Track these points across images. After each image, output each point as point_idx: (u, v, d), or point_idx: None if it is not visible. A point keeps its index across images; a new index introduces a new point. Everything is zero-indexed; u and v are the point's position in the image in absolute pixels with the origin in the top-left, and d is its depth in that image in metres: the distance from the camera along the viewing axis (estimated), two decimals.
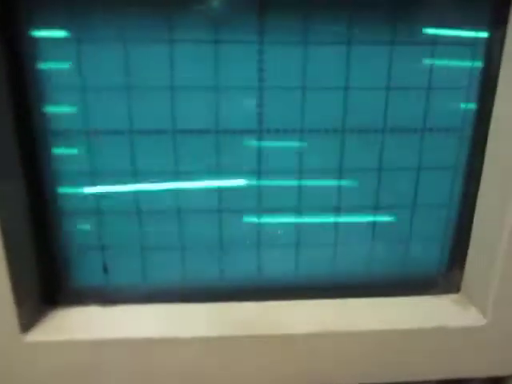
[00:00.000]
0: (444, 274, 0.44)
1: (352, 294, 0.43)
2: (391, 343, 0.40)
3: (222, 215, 0.40)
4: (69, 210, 0.39)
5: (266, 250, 0.41)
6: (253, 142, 0.38)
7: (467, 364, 0.41)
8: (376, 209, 0.41)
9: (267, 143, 0.38)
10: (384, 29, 0.36)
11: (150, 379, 0.39)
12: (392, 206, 0.41)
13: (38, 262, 0.39)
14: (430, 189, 0.41)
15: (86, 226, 0.39)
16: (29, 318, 0.38)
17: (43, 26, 0.34)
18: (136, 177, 0.38)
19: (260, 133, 0.38)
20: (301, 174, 0.39)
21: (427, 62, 0.37)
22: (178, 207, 0.39)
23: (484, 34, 0.36)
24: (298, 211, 0.40)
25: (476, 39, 0.37)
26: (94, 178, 0.38)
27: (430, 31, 0.36)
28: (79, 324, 0.39)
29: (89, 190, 0.38)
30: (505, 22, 0.35)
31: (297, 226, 0.41)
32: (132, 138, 0.37)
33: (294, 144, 0.38)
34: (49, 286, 0.40)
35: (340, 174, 0.39)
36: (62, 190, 0.38)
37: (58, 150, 0.37)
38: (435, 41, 0.36)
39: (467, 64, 0.37)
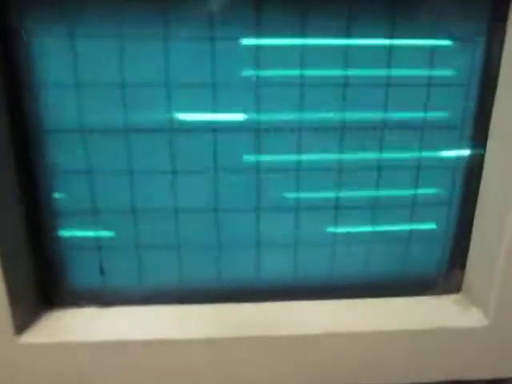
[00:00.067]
0: (444, 275, 0.43)
1: (352, 295, 0.42)
2: (391, 344, 0.39)
3: (218, 215, 0.39)
4: (64, 211, 0.38)
5: (264, 250, 0.41)
6: (250, 139, 0.37)
7: (469, 365, 0.41)
8: (375, 208, 0.41)
9: (265, 141, 0.37)
10: (383, 24, 0.35)
11: (147, 381, 0.39)
12: (392, 205, 0.41)
13: (34, 264, 0.39)
14: (430, 188, 0.40)
15: (82, 227, 0.39)
16: (24, 320, 0.37)
17: (36, 23, 0.33)
18: (132, 175, 0.38)
19: (257, 130, 0.37)
20: (298, 172, 0.39)
21: (427, 58, 0.36)
22: (175, 207, 0.39)
23: (484, 30, 0.36)
24: (296, 211, 0.40)
25: (476, 35, 0.36)
26: (90, 178, 0.37)
27: (430, 26, 0.36)
28: (75, 326, 0.38)
29: (85, 191, 0.38)
30: (505, 18, 0.35)
31: (295, 226, 0.40)
32: (127, 136, 0.36)
33: (292, 141, 0.38)
34: (45, 288, 0.40)
35: (339, 172, 0.39)
36: (58, 191, 0.38)
37: (53, 151, 0.37)
38: (435, 36, 0.36)
39: (468, 61, 0.37)
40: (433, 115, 0.38)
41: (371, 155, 0.39)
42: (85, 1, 0.33)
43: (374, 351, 0.39)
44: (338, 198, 0.40)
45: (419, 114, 0.38)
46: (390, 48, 0.36)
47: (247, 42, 0.35)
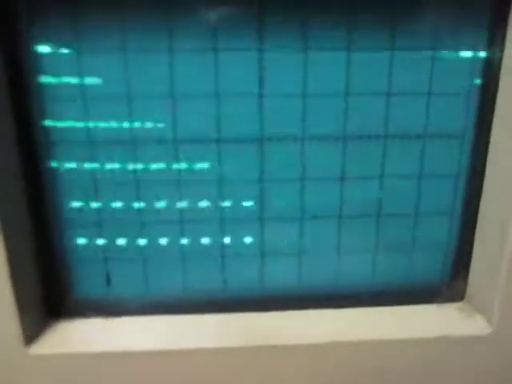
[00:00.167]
0: (448, 283, 0.44)
1: (356, 304, 0.43)
2: (396, 353, 0.40)
3: (223, 225, 0.40)
4: (72, 222, 0.39)
5: (269, 260, 0.41)
6: (255, 148, 0.38)
7: (473, 374, 0.41)
8: (379, 217, 0.41)
9: (269, 151, 0.38)
10: (384, 35, 0.36)
11: None
12: (395, 214, 0.41)
13: (42, 275, 0.39)
14: (433, 197, 0.41)
15: (89, 238, 0.39)
16: (32, 331, 0.38)
17: (44, 39, 0.34)
18: (138, 186, 0.38)
19: (261, 140, 0.38)
20: (303, 181, 0.39)
21: (428, 68, 0.37)
22: (180, 218, 0.39)
23: (484, 40, 0.37)
24: (301, 219, 0.40)
25: (476, 45, 0.37)
26: (97, 190, 0.38)
27: (430, 37, 0.36)
28: (82, 336, 0.39)
29: (92, 201, 0.38)
30: (505, 25, 0.35)
31: (300, 235, 0.41)
32: (133, 145, 0.37)
33: (295, 151, 0.38)
34: (52, 299, 0.40)
35: (342, 181, 0.40)
36: (65, 202, 0.38)
37: (60, 162, 0.37)
38: (435, 47, 0.36)
39: (468, 70, 0.37)
40: (434, 125, 0.38)
41: (374, 165, 0.39)
42: (91, 15, 0.34)
43: (378, 360, 0.40)
44: (341, 208, 0.40)
45: (420, 125, 0.38)
46: (391, 59, 0.36)
47: (250, 52, 0.35)
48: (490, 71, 0.37)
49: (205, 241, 0.40)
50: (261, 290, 0.42)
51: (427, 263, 0.43)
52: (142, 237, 0.40)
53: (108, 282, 0.41)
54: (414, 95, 0.38)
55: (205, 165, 0.38)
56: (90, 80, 0.35)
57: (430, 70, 0.37)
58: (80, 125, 0.36)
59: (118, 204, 0.39)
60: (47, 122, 0.36)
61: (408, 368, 0.40)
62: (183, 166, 0.38)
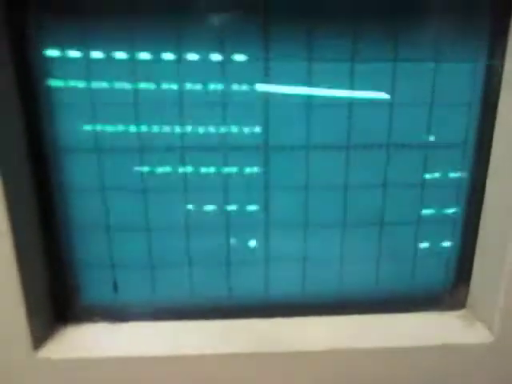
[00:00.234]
0: (450, 291, 0.44)
1: (358, 311, 0.43)
2: (398, 360, 0.40)
3: (228, 233, 0.40)
4: (80, 228, 0.40)
5: (273, 267, 0.42)
6: (259, 159, 0.39)
7: (475, 382, 0.41)
8: (382, 225, 0.42)
9: (274, 159, 0.39)
10: (387, 46, 0.37)
11: None
12: (398, 222, 0.42)
13: (50, 281, 0.40)
14: (435, 205, 0.41)
15: (96, 244, 0.40)
16: (41, 335, 0.38)
17: (54, 45, 0.35)
18: (146, 193, 0.39)
19: (266, 149, 0.38)
20: (307, 190, 0.40)
21: (430, 78, 0.38)
22: (186, 225, 0.40)
23: (485, 50, 0.37)
24: (304, 227, 0.41)
25: (477, 55, 0.37)
26: (104, 197, 0.39)
27: (432, 48, 0.37)
28: (90, 341, 0.39)
29: (99, 207, 0.39)
30: (505, 34, 0.36)
31: (304, 242, 0.41)
32: (141, 154, 0.38)
33: (300, 160, 0.39)
34: (60, 304, 0.41)
35: (345, 190, 0.40)
36: (73, 208, 0.39)
37: (69, 168, 0.38)
38: (437, 58, 0.37)
39: (469, 80, 0.38)
40: (436, 135, 0.39)
41: (377, 174, 0.40)
42: (102, 25, 0.35)
43: (381, 367, 0.40)
44: (345, 216, 0.41)
45: (423, 135, 0.39)
46: (394, 69, 0.37)
47: (255, 62, 0.36)
48: (491, 82, 0.38)
49: (210, 247, 0.41)
50: (265, 296, 0.43)
51: (429, 271, 0.43)
52: (149, 244, 0.40)
53: (115, 287, 0.41)
54: (417, 105, 0.38)
55: (210, 171, 0.39)
56: (98, 85, 0.36)
57: (432, 81, 0.38)
58: (88, 128, 0.37)
59: (125, 209, 0.39)
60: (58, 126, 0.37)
61: (410, 376, 0.40)
62: (189, 171, 0.39)
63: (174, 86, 0.36)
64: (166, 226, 0.40)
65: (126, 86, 0.36)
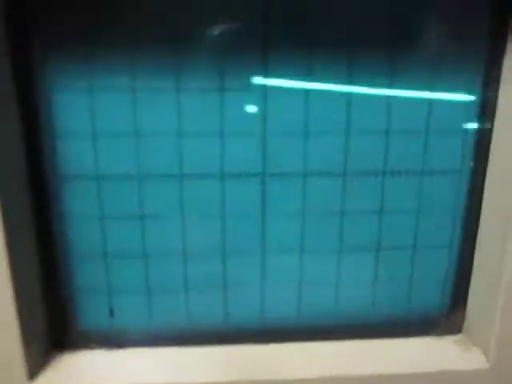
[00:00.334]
0: (446, 315, 0.44)
1: (354, 336, 0.43)
2: None
3: (225, 259, 0.41)
4: (77, 254, 0.40)
5: (270, 292, 0.42)
6: (257, 186, 0.39)
7: None
8: (378, 250, 0.42)
9: (271, 186, 0.39)
10: (383, 73, 0.37)
11: None
12: (394, 247, 0.42)
13: (46, 308, 0.40)
14: (431, 231, 0.42)
15: (93, 271, 0.40)
16: (36, 364, 0.38)
17: (58, 76, 0.35)
18: (143, 220, 0.39)
19: (263, 176, 0.39)
20: (304, 215, 0.40)
21: (425, 105, 0.38)
22: (184, 251, 0.40)
23: (480, 77, 0.38)
24: (301, 252, 0.41)
25: (473, 82, 0.38)
26: (102, 222, 0.39)
27: (428, 75, 0.38)
28: (86, 369, 0.39)
29: (96, 234, 0.39)
30: (501, 60, 0.37)
31: (300, 268, 0.42)
32: (140, 183, 0.38)
33: (297, 186, 0.39)
34: (56, 331, 0.41)
35: (342, 216, 0.40)
36: (70, 234, 0.39)
37: (68, 196, 0.38)
38: (433, 85, 0.38)
39: (464, 108, 0.39)
40: (432, 163, 0.39)
41: (373, 200, 0.40)
42: (101, 58, 0.35)
43: None
44: (341, 241, 0.41)
45: (418, 161, 0.39)
46: (390, 97, 0.38)
47: (254, 92, 0.37)
48: (486, 111, 0.38)
49: (207, 273, 0.41)
50: (262, 321, 0.43)
51: (425, 296, 0.44)
52: (146, 270, 0.40)
53: (111, 313, 0.41)
54: (412, 133, 0.39)
55: (209, 198, 0.39)
56: (99, 115, 0.36)
57: (427, 109, 0.38)
58: (87, 157, 0.37)
59: (122, 236, 0.39)
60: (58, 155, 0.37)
61: None
62: (187, 199, 0.39)
63: (173, 115, 0.37)
64: (163, 252, 0.40)
65: (126, 115, 0.36)
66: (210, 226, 0.40)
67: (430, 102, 0.38)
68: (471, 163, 0.40)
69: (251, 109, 0.37)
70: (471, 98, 0.38)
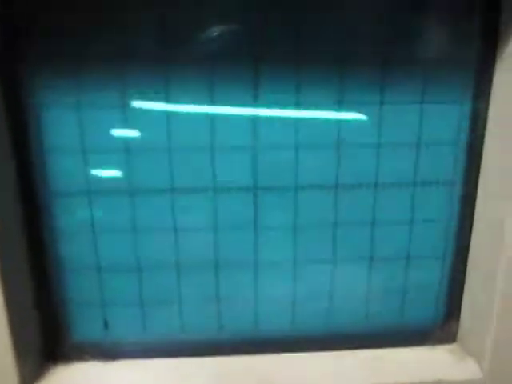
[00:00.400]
0: (440, 325, 0.44)
1: (348, 347, 0.43)
2: None
3: (218, 271, 0.41)
4: (70, 267, 0.40)
5: (263, 303, 0.42)
6: (249, 199, 0.39)
7: None
8: (372, 261, 0.42)
9: (263, 199, 0.39)
10: (373, 90, 0.37)
11: None
12: (388, 258, 0.42)
13: (40, 319, 0.40)
14: (425, 242, 0.42)
15: (87, 283, 0.40)
16: (30, 376, 0.38)
17: (45, 97, 0.35)
18: (136, 234, 0.39)
19: (255, 189, 0.39)
20: (295, 229, 0.40)
21: (416, 119, 0.38)
22: (177, 263, 0.40)
23: (470, 92, 0.38)
24: (294, 264, 0.41)
25: (463, 97, 0.38)
26: (95, 236, 0.39)
27: (418, 91, 0.38)
28: (80, 381, 0.39)
29: (89, 247, 0.39)
30: (490, 79, 0.37)
31: (294, 279, 0.42)
32: (131, 197, 0.38)
33: (289, 199, 0.39)
34: (49, 343, 0.41)
35: (335, 227, 0.41)
36: (63, 248, 0.39)
37: (60, 211, 0.38)
38: (423, 100, 0.38)
39: (455, 121, 0.39)
40: (423, 175, 0.40)
41: (366, 212, 0.40)
42: (90, 74, 0.35)
43: None
44: (335, 253, 0.41)
45: (410, 173, 0.40)
46: (380, 112, 0.38)
47: (245, 109, 0.37)
48: (477, 122, 0.38)
49: (200, 285, 0.41)
50: (256, 332, 0.43)
51: (420, 306, 0.44)
52: (139, 282, 0.40)
53: (106, 325, 0.41)
54: (404, 145, 0.39)
55: (201, 212, 0.39)
56: (89, 131, 0.36)
57: (418, 122, 0.38)
58: (78, 173, 0.37)
59: (115, 250, 0.39)
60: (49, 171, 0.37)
61: None
62: (179, 213, 0.39)
63: (163, 132, 0.37)
64: (156, 265, 0.40)
65: (115, 130, 0.37)
66: (203, 239, 0.40)
67: (421, 114, 0.38)
68: (463, 174, 0.40)
69: (242, 123, 0.37)
70: (462, 109, 0.38)
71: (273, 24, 0.35)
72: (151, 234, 0.39)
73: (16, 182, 0.37)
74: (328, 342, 0.43)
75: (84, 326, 0.41)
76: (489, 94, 0.37)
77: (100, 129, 0.36)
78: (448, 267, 0.43)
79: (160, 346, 0.42)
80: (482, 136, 0.38)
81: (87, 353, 0.41)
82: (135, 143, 0.37)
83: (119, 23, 0.34)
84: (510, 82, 0.35)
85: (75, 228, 0.39)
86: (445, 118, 0.38)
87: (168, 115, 0.36)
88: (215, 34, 0.35)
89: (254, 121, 0.37)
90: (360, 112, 0.38)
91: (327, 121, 0.38)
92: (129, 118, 0.36)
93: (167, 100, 0.36)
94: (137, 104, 0.36)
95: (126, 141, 0.37)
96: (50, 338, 0.41)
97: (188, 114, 0.37)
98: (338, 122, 0.38)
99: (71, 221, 0.38)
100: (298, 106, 0.37)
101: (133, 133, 0.37)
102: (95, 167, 0.37)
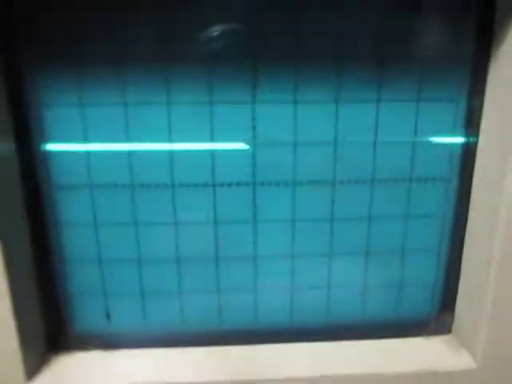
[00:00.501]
0: (435, 316, 0.45)
1: (346, 337, 0.44)
2: None
3: (218, 263, 0.41)
4: (73, 260, 0.41)
5: (262, 295, 0.43)
6: (248, 193, 0.40)
7: None
8: (369, 254, 0.43)
9: (261, 194, 0.40)
10: (370, 88, 0.38)
11: None
12: (385, 251, 0.43)
13: (43, 311, 0.41)
14: (421, 236, 0.43)
15: (89, 275, 0.41)
16: (34, 366, 0.39)
17: (48, 94, 0.36)
18: (137, 227, 0.40)
19: (254, 185, 0.40)
20: (293, 223, 0.41)
21: (412, 116, 0.39)
22: (177, 256, 0.41)
23: (465, 90, 0.39)
24: (292, 257, 0.42)
25: (458, 94, 0.39)
26: (97, 229, 0.40)
27: (414, 89, 0.38)
28: (82, 370, 0.40)
29: (92, 240, 0.40)
30: (485, 77, 0.37)
31: (291, 272, 0.42)
32: (133, 192, 0.39)
33: (287, 194, 0.40)
34: (53, 333, 0.42)
35: (332, 222, 0.41)
36: (66, 241, 0.40)
37: (60, 205, 0.39)
38: (419, 98, 0.38)
39: (450, 118, 0.39)
40: (419, 171, 0.40)
41: (363, 207, 0.41)
42: (93, 74, 0.36)
43: None
44: (333, 247, 0.42)
45: (406, 169, 0.40)
46: (377, 110, 0.38)
47: (244, 106, 0.37)
48: (472, 120, 0.39)
49: (201, 277, 0.42)
50: (254, 323, 0.44)
51: (416, 298, 0.45)
52: (141, 274, 0.41)
53: (108, 316, 0.42)
54: (400, 142, 0.40)
55: (201, 206, 0.40)
56: (91, 124, 0.37)
57: (414, 119, 0.39)
58: (80, 166, 0.38)
59: (117, 242, 0.40)
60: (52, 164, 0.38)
61: None
62: (180, 207, 0.40)
63: (164, 128, 0.37)
64: (157, 257, 0.41)
65: (117, 127, 0.37)
66: (203, 233, 0.40)
67: (418, 111, 0.39)
68: (458, 170, 0.40)
69: (241, 120, 0.38)
70: (458, 106, 0.39)
71: (271, 23, 0.36)
72: (152, 227, 0.40)
73: (20, 176, 0.37)
74: (326, 333, 0.44)
75: (86, 316, 0.42)
76: (483, 91, 0.38)
77: (101, 125, 0.37)
78: (443, 260, 0.44)
79: (160, 336, 0.43)
80: (477, 133, 0.39)
81: (89, 342, 0.42)
82: (136, 139, 0.37)
83: (119, 23, 0.35)
84: (504, 80, 0.36)
85: (78, 221, 0.39)
86: (440, 115, 0.39)
87: (168, 112, 0.37)
88: (214, 32, 0.35)
89: (253, 118, 0.38)
90: (357, 109, 0.38)
91: (325, 118, 0.38)
92: (129, 115, 0.37)
93: (167, 98, 0.37)
94: (137, 101, 0.37)
95: (126, 137, 0.37)
96: (53, 329, 0.42)
97: (188, 111, 0.37)
98: (336, 119, 0.38)
99: (74, 214, 0.39)
100: (295, 103, 0.37)
101: (133, 129, 0.37)
102: (97, 162, 0.38)
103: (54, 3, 0.34)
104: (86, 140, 0.37)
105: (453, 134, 0.40)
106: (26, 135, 0.37)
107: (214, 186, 0.39)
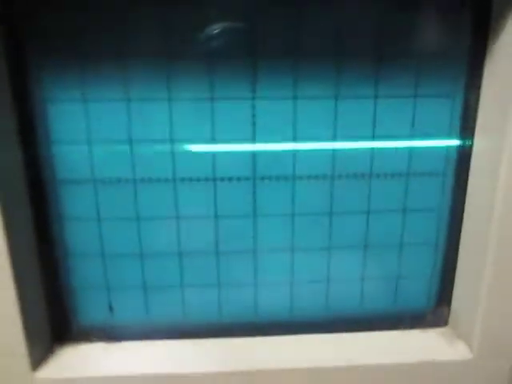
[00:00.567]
0: (432, 309, 0.46)
1: (344, 329, 0.45)
2: (381, 377, 0.42)
3: (219, 257, 0.42)
4: (77, 254, 0.41)
5: (262, 288, 0.44)
6: (248, 188, 0.40)
7: None
8: (366, 248, 0.43)
9: (261, 189, 0.41)
10: (368, 85, 0.38)
11: None
12: (382, 245, 0.43)
13: (48, 304, 0.42)
14: (418, 230, 0.43)
15: (93, 269, 0.42)
16: (39, 356, 0.40)
17: (52, 90, 0.37)
18: (140, 221, 0.41)
19: (254, 179, 0.40)
20: (293, 217, 0.42)
21: (409, 112, 0.39)
22: (179, 250, 0.42)
23: (462, 85, 0.39)
24: (292, 251, 0.43)
25: (455, 90, 0.39)
26: (100, 223, 0.41)
27: (411, 84, 0.39)
28: (86, 361, 0.41)
29: (95, 235, 0.41)
30: (481, 72, 0.38)
31: (291, 265, 0.43)
32: (135, 186, 0.40)
33: (287, 189, 0.41)
34: (57, 325, 0.43)
35: (331, 216, 0.42)
36: (70, 235, 0.41)
37: (64, 199, 0.40)
38: (416, 93, 0.39)
39: (447, 113, 0.40)
40: (416, 165, 0.41)
41: (361, 201, 0.42)
42: (96, 70, 0.36)
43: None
44: (331, 240, 0.43)
45: (404, 164, 0.41)
46: (375, 106, 0.39)
47: (245, 102, 0.38)
48: (468, 116, 0.40)
49: (202, 270, 0.43)
50: (255, 316, 0.44)
51: (413, 291, 0.45)
52: (143, 267, 0.42)
53: (110, 308, 0.43)
54: (398, 138, 0.40)
55: (202, 201, 0.40)
56: (94, 119, 0.38)
57: (411, 114, 0.39)
58: (84, 160, 0.39)
59: (119, 236, 0.41)
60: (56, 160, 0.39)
61: None
62: (181, 201, 0.40)
63: (166, 124, 0.38)
64: (159, 251, 0.42)
65: (120, 122, 0.38)
66: (204, 227, 0.41)
67: (415, 106, 0.39)
68: (455, 164, 0.41)
69: (241, 116, 0.38)
70: (454, 102, 0.39)
71: (270, 19, 0.36)
72: (154, 221, 0.41)
73: (24, 171, 0.38)
74: (324, 325, 0.45)
75: (90, 309, 0.43)
76: (480, 86, 0.38)
77: (104, 120, 0.38)
78: (440, 254, 0.44)
79: (162, 328, 0.44)
80: (473, 127, 0.40)
81: (93, 335, 0.43)
82: (138, 134, 0.38)
83: (121, 20, 0.36)
84: (500, 75, 0.36)
85: (81, 215, 0.40)
86: (437, 110, 0.39)
87: (170, 108, 0.38)
88: (214, 29, 0.36)
89: (253, 114, 0.38)
90: (355, 105, 0.39)
91: (323, 113, 0.39)
92: (132, 111, 0.37)
93: (168, 94, 0.37)
94: (139, 97, 0.37)
95: (129, 132, 0.38)
96: (57, 321, 0.43)
97: (189, 108, 0.38)
98: (334, 114, 0.39)
99: (77, 208, 0.40)
100: (295, 99, 0.38)
101: (136, 124, 0.38)
102: (100, 157, 0.39)
103: (54, 3, 0.35)
104: (89, 135, 0.38)
105: (449, 128, 0.40)
106: (30, 130, 0.37)
107: (214, 180, 0.40)
